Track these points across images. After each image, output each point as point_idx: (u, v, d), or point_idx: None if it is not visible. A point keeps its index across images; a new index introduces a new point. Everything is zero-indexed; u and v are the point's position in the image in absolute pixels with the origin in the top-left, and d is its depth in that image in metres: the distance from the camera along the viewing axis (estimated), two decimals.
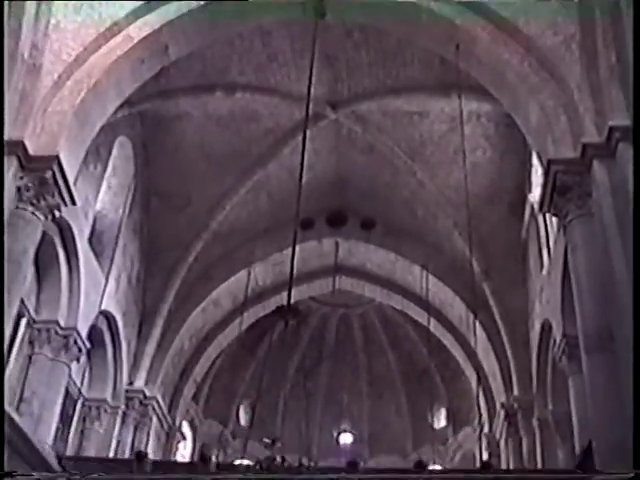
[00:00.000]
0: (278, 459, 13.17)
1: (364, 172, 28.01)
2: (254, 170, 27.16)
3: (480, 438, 27.38)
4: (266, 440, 14.24)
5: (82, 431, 25.14)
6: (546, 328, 23.88)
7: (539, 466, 23.78)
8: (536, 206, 21.26)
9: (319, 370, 36.87)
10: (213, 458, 21.51)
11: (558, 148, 16.56)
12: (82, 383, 24.83)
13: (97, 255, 24.16)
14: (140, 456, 21.31)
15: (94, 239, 24.40)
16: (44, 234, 19.05)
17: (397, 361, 36.51)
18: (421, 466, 20.64)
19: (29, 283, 20.91)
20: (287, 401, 34.25)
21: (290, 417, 33.30)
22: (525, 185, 25.67)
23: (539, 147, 17.76)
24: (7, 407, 17.95)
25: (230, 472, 14.51)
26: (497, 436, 27.86)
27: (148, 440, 27.13)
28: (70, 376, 22.80)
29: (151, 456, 23.30)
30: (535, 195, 23.29)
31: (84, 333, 22.77)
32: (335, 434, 37.58)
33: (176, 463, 26.31)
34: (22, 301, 20.14)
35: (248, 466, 13.73)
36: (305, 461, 14.11)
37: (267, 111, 25.41)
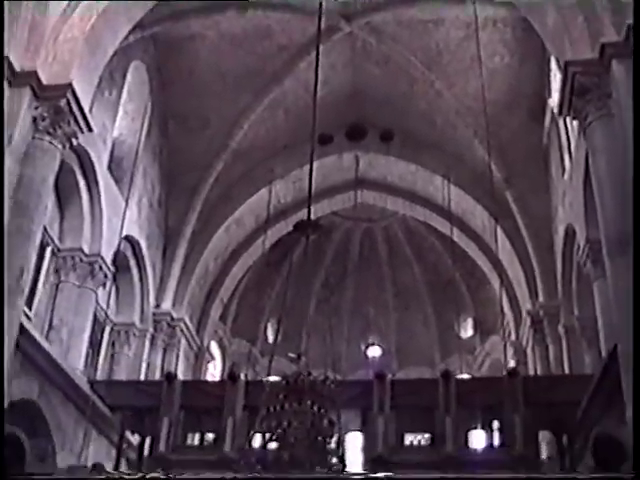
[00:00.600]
0: (304, 373, 13.27)
1: (381, 84, 27.74)
2: (270, 88, 27.01)
3: (505, 346, 27.41)
4: (291, 355, 14.33)
5: (112, 356, 25.46)
6: (570, 233, 23.77)
7: (566, 372, 23.88)
8: (556, 110, 21.03)
9: (344, 284, 37.00)
10: (242, 376, 21.64)
11: (576, 49, 16.33)
12: (109, 308, 25.09)
13: (117, 181, 24.19)
14: (170, 377, 21.59)
15: (113, 165, 24.40)
16: (63, 163, 19.07)
17: (422, 272, 36.54)
18: (448, 376, 20.73)
19: (51, 212, 21.04)
20: (313, 317, 34.45)
21: (317, 333, 33.52)
22: (544, 90, 25.35)
23: (556, 49, 17.51)
24: (37, 336, 18.23)
25: (258, 389, 14.55)
26: (524, 344, 27.96)
27: (177, 362, 27.43)
28: (97, 302, 23.00)
29: (181, 377, 23.64)
30: (555, 99, 22.96)
31: (108, 259, 22.93)
32: (363, 348, 37.82)
33: (205, 382, 26.45)
34: (45, 230, 20.32)
35: (274, 382, 13.80)
36: (331, 375, 14.14)
37: (280, 27, 25.16)
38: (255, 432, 13.17)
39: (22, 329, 16.87)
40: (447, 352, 36.02)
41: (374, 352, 37.84)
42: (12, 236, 15.96)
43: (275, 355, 27.85)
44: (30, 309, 20.01)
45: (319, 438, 12.63)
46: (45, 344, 18.83)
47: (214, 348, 32.98)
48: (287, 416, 12.64)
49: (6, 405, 16.26)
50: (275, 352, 28.47)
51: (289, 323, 34.00)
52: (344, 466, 12.79)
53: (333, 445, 12.81)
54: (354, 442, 22.65)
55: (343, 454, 13.01)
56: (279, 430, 12.51)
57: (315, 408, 12.93)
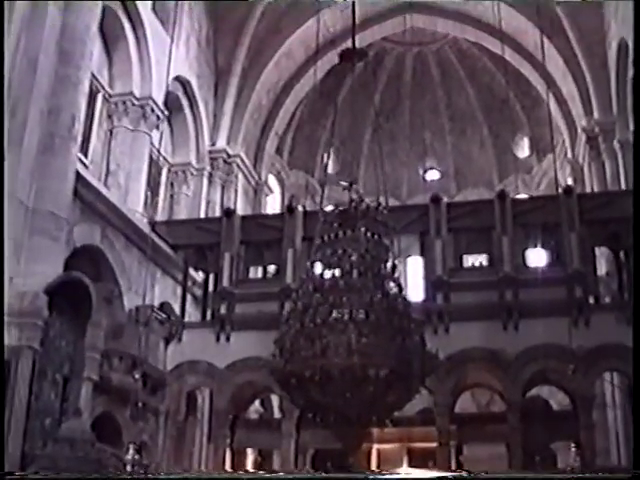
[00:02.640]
0: (356, 201, 13.43)
1: None
2: None
3: (555, 163, 26.99)
4: (343, 183, 14.38)
5: (171, 196, 25.95)
6: (623, 47, 23.22)
7: (623, 187, 23.72)
8: None
9: (399, 111, 36.72)
10: (299, 207, 21.82)
11: None
12: (165, 150, 25.44)
13: (163, 22, 24.02)
14: (228, 213, 21.96)
15: (158, 5, 24.20)
16: (106, 8, 19.08)
17: (477, 94, 36.02)
18: (503, 196, 20.81)
19: (99, 59, 21.24)
20: (370, 145, 34.50)
21: (374, 161, 33.65)
22: None
23: None
24: (95, 182, 18.66)
25: (316, 220, 14.69)
26: (580, 161, 27.79)
27: (236, 197, 27.80)
28: (152, 144, 23.28)
29: (240, 212, 24.01)
30: None
31: (160, 101, 23.01)
32: (421, 172, 37.87)
33: (264, 216, 26.53)
34: (95, 77, 20.53)
35: (328, 212, 13.99)
36: (383, 200, 14.31)
37: None
38: (312, 262, 13.44)
39: (79, 177, 17.31)
40: (505, 173, 35.90)
41: (432, 176, 37.89)
42: (60, 85, 16.18)
43: (333, 185, 27.96)
44: (86, 157, 20.41)
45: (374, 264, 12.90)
46: (103, 190, 19.32)
47: (272, 182, 33.20)
48: (341, 244, 12.91)
49: (69, 252, 16.89)
50: (332, 182, 28.53)
51: (346, 152, 34.19)
52: (401, 289, 13.06)
53: (388, 269, 13.06)
54: (414, 267, 23.11)
55: (398, 278, 13.29)
56: (334, 258, 12.82)
57: (369, 234, 13.18)
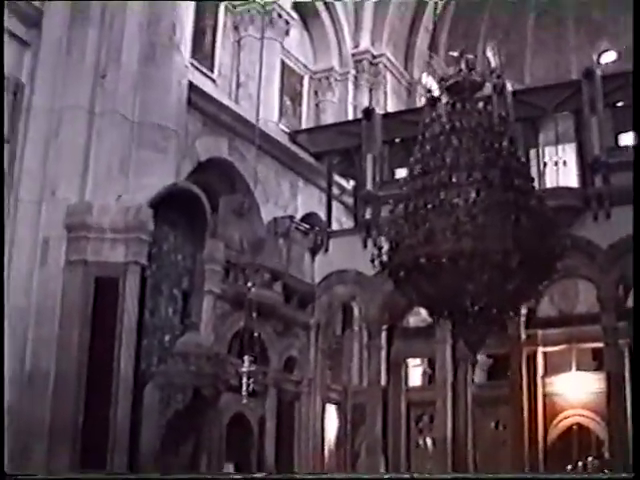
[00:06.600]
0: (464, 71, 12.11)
1: None
2: None
3: None
4: (453, 54, 12.97)
5: (317, 105, 24.89)
6: None
7: None
8: None
9: None
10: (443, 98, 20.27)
11: None
12: (306, 58, 24.54)
13: None
14: (367, 113, 20.80)
15: None
16: None
17: None
18: None
19: None
20: (534, 33, 32.42)
21: (541, 50, 31.77)
22: None
23: None
24: (216, 94, 18.01)
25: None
26: None
27: (386, 100, 26.32)
28: (287, 51, 22.62)
29: None
30: None
31: (287, 4, 22.02)
32: (594, 57, 35.19)
33: (405, 112, 23.93)
34: None
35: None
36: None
37: None
38: (421, 143, 12.07)
39: (196, 89, 16.72)
40: None
41: (607, 59, 35.11)
42: None
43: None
44: (212, 71, 19.77)
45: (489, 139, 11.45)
46: (226, 100, 18.74)
47: (428, 81, 31.51)
48: (450, 118, 11.67)
49: (192, 167, 16.28)
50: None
51: (509, 43, 32.18)
52: (521, 163, 11.58)
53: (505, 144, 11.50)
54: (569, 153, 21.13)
55: (516, 151, 11.77)
56: (442, 136, 11.52)
57: (481, 106, 11.85)
